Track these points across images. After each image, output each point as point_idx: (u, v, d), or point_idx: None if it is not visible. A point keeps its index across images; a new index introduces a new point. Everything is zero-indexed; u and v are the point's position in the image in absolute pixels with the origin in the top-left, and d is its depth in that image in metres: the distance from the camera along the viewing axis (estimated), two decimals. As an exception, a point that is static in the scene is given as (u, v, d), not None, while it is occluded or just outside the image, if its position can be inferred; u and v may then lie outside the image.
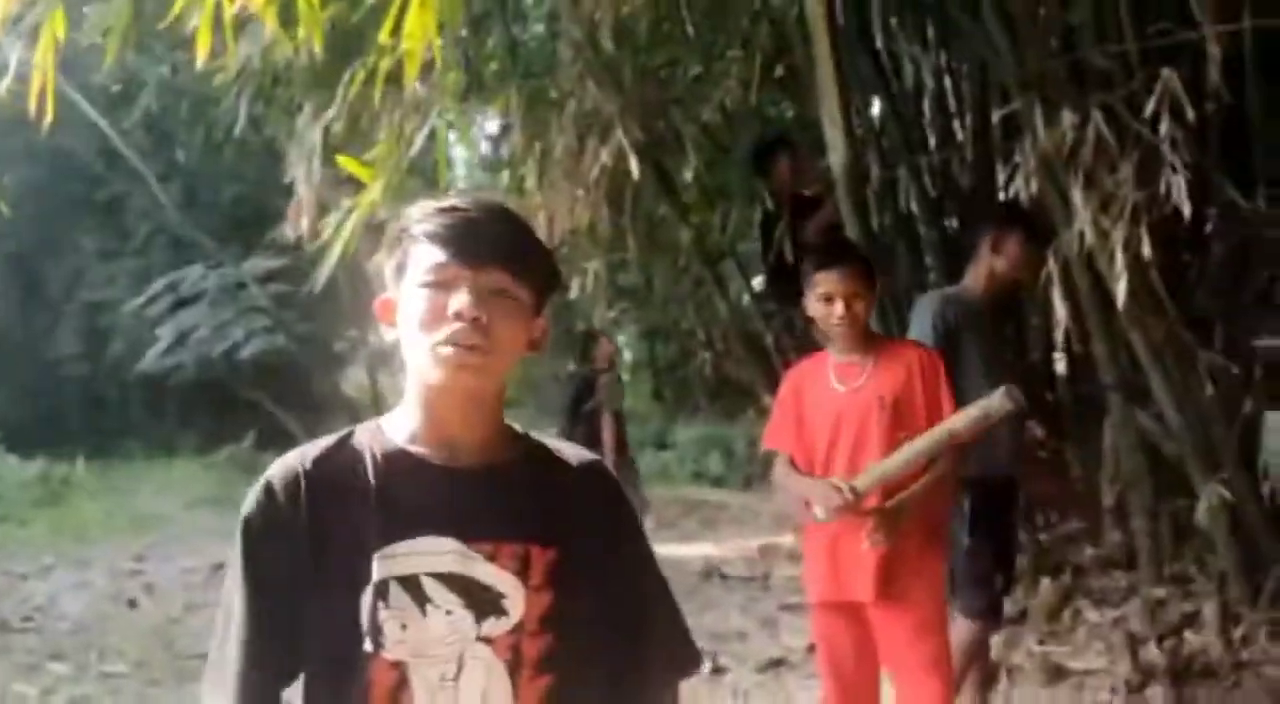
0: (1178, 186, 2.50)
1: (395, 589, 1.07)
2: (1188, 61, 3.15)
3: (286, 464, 1.15)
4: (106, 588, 6.77)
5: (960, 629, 3.05)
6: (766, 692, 4.16)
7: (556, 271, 1.28)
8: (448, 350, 1.11)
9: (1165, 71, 2.62)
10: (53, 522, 9.33)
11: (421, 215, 1.17)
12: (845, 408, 2.53)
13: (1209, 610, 3.75)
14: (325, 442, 1.18)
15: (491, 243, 1.15)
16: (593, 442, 5.77)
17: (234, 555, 1.14)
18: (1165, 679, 3.52)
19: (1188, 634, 3.75)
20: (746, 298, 5.25)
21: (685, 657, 1.26)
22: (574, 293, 4.13)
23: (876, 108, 4.10)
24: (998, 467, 3.07)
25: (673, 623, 1.24)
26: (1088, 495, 4.59)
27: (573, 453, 1.25)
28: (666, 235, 4.43)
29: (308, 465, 1.14)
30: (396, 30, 2.19)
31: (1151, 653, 3.69)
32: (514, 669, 1.09)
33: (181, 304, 12.20)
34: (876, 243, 3.61)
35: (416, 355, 1.15)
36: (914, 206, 4.34)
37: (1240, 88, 3.46)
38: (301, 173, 3.97)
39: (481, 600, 1.09)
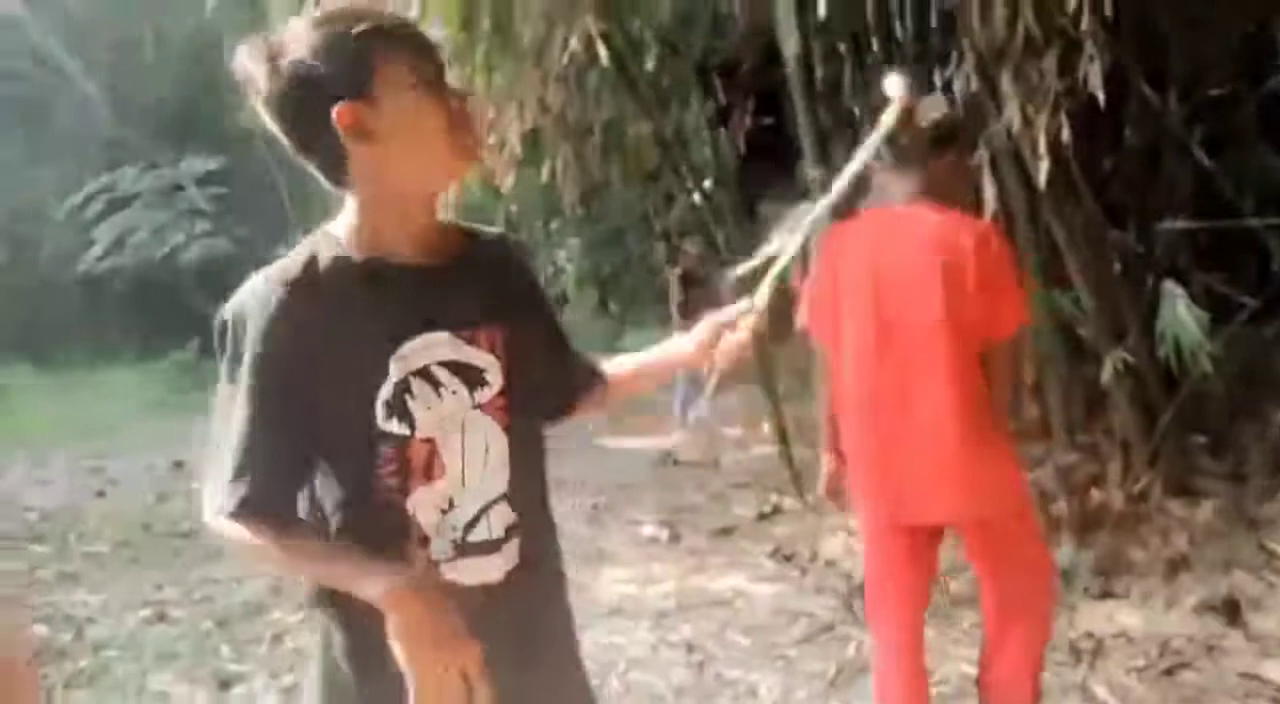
0: (1095, 75, 2.78)
1: (416, 382, 1.23)
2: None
3: (282, 271, 1.21)
4: (70, 484, 6.88)
5: None
6: (719, 553, 4.56)
7: None
8: (465, 142, 1.24)
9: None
10: (1, 427, 9.34)
11: (375, 16, 1.21)
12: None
13: (1113, 471, 4.18)
14: (290, 267, 1.22)
15: (424, 37, 1.26)
16: None
17: (245, 350, 1.19)
18: (1072, 528, 3.96)
19: (1093, 491, 4.18)
20: (698, 197, 5.47)
21: (597, 367, 1.54)
22: (544, 176, 4.30)
23: (822, 8, 4.27)
24: None
25: (575, 351, 1.50)
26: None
27: (488, 233, 1.42)
28: (627, 128, 4.61)
29: (293, 282, 1.20)
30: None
31: (1060, 508, 4.12)
32: (502, 424, 1.31)
33: (116, 206, 11.92)
34: (821, 135, 3.85)
35: (421, 161, 1.23)
36: (856, 106, 4.55)
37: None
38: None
39: (470, 377, 1.27)
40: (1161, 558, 3.68)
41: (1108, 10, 2.82)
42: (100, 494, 6.52)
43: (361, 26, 1.19)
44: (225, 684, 3.41)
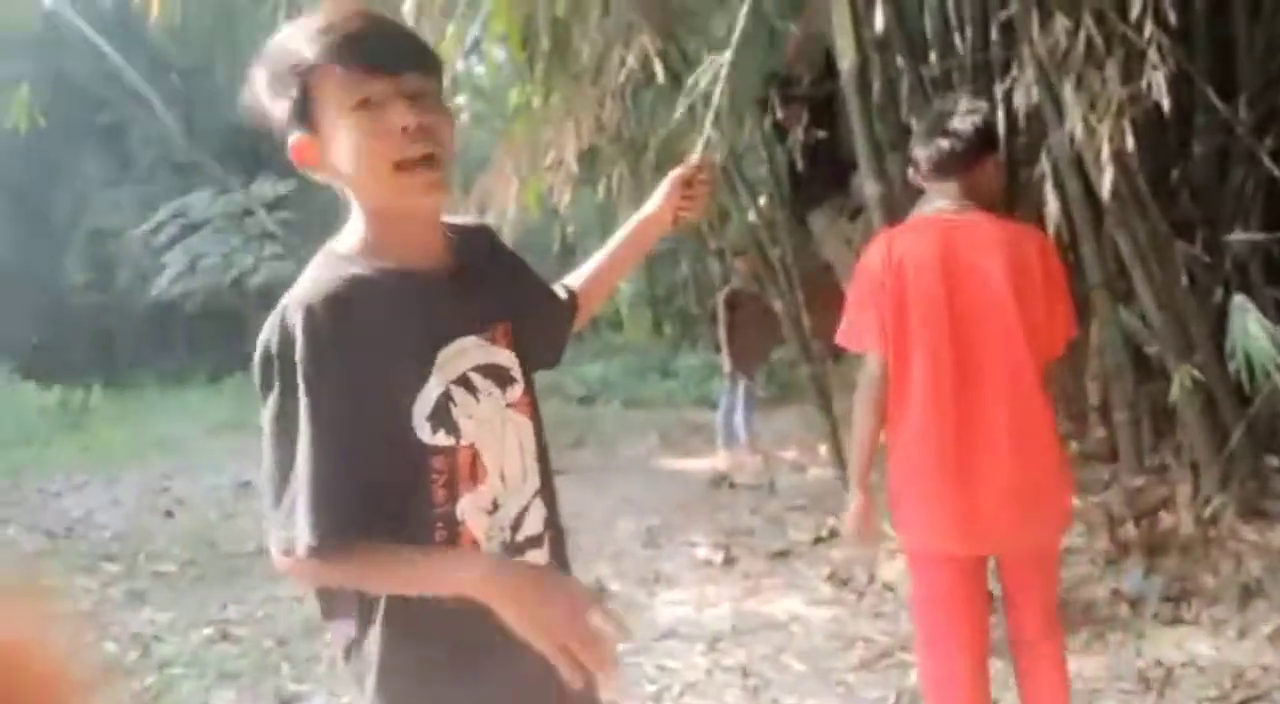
0: (1158, 83, 2.71)
1: (456, 390, 1.20)
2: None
3: (311, 293, 1.14)
4: (139, 503, 7.02)
5: None
6: (774, 576, 4.50)
7: (439, 57, 1.27)
8: (409, 174, 1.14)
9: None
10: (77, 445, 9.59)
11: (306, 44, 1.13)
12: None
13: (1182, 494, 4.04)
14: (316, 280, 1.16)
15: (395, 44, 1.16)
16: None
17: (298, 379, 1.13)
18: (1140, 552, 3.83)
19: (1162, 514, 4.04)
20: (753, 214, 5.46)
21: (570, 291, 1.53)
22: (599, 194, 4.32)
23: (880, 23, 4.25)
24: None
25: (552, 292, 1.49)
26: (1075, 395, 4.84)
27: (468, 225, 1.38)
28: (683, 145, 4.62)
29: (327, 300, 1.14)
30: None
31: (1128, 531, 4.00)
32: (532, 419, 1.31)
33: (188, 231, 12.25)
34: (878, 148, 3.81)
35: (372, 184, 1.16)
36: (915, 117, 4.51)
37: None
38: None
39: (501, 377, 1.27)
40: (1235, 584, 3.55)
41: (1171, 17, 2.76)
42: (169, 514, 6.65)
43: (301, 56, 1.13)
44: (286, 702, 3.44)
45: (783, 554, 4.77)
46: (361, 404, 1.15)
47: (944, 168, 2.21)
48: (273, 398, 1.15)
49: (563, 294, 1.53)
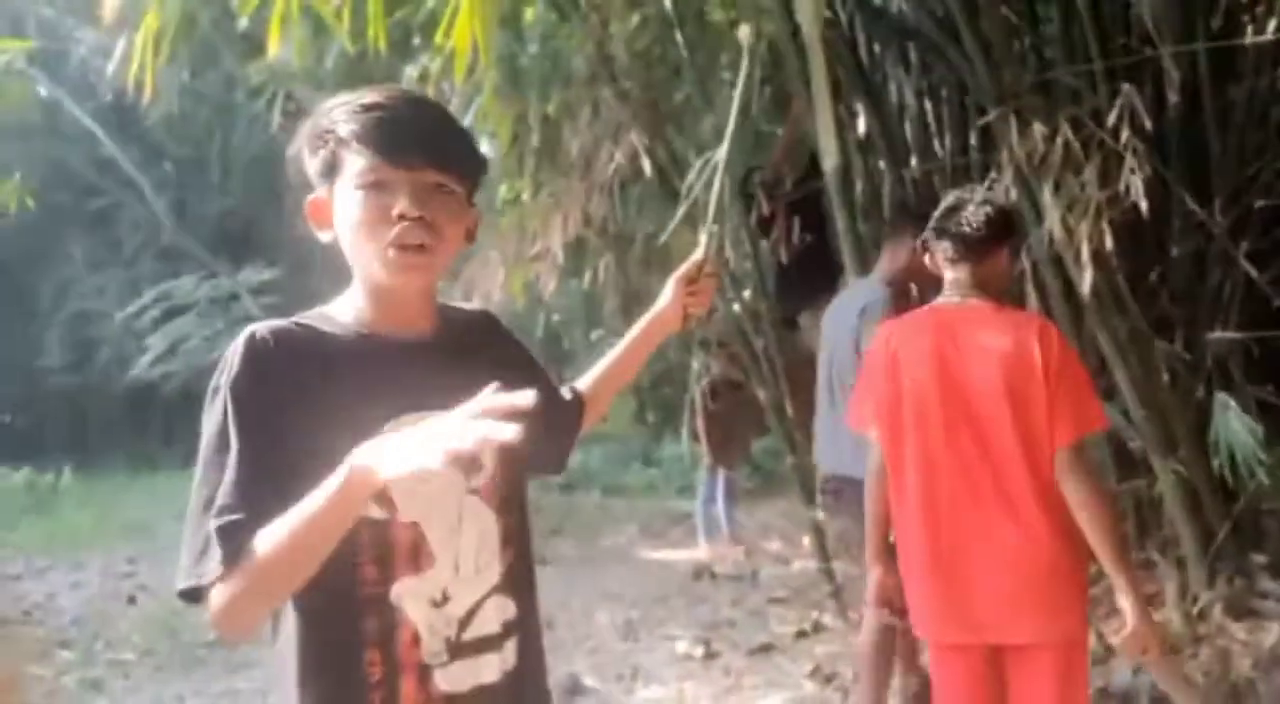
0: (1136, 186, 2.80)
1: None
2: (1150, 79, 3.47)
3: (259, 332, 1.15)
4: (102, 588, 6.86)
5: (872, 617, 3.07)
6: (756, 672, 4.40)
7: (483, 159, 1.31)
8: (396, 253, 1.16)
9: (1126, 87, 2.94)
10: (42, 528, 9.39)
11: (346, 115, 1.17)
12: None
13: (1170, 590, 4.01)
14: (276, 323, 1.18)
15: (423, 140, 1.18)
16: None
17: (219, 416, 1.11)
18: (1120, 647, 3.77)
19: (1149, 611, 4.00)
20: (737, 307, 5.52)
21: (576, 392, 1.55)
22: (585, 284, 4.37)
23: (862, 126, 4.39)
24: None
25: (559, 392, 1.51)
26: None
27: (469, 309, 1.42)
28: (671, 239, 4.70)
29: (277, 334, 1.15)
30: (448, 31, 2.47)
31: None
32: (498, 511, 1.24)
33: (172, 314, 12.26)
34: (860, 244, 3.89)
35: (363, 257, 1.19)
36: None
37: (1198, 105, 3.79)
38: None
39: (464, 460, 1.20)
40: (1224, 683, 3.50)
41: (1147, 123, 2.86)
42: (131, 600, 6.48)
43: (336, 123, 1.18)
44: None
45: (765, 648, 4.68)
46: (288, 448, 1.09)
47: (956, 257, 2.24)
48: (208, 428, 1.13)
49: (568, 395, 1.52)
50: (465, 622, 1.19)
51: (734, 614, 5.39)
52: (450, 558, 1.18)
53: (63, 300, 13.79)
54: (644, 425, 13.98)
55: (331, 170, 1.19)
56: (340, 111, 1.18)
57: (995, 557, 2.14)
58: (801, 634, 4.83)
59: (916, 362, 2.21)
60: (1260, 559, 4.00)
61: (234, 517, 1.07)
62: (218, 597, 1.08)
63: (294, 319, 1.22)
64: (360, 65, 3.67)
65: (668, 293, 1.62)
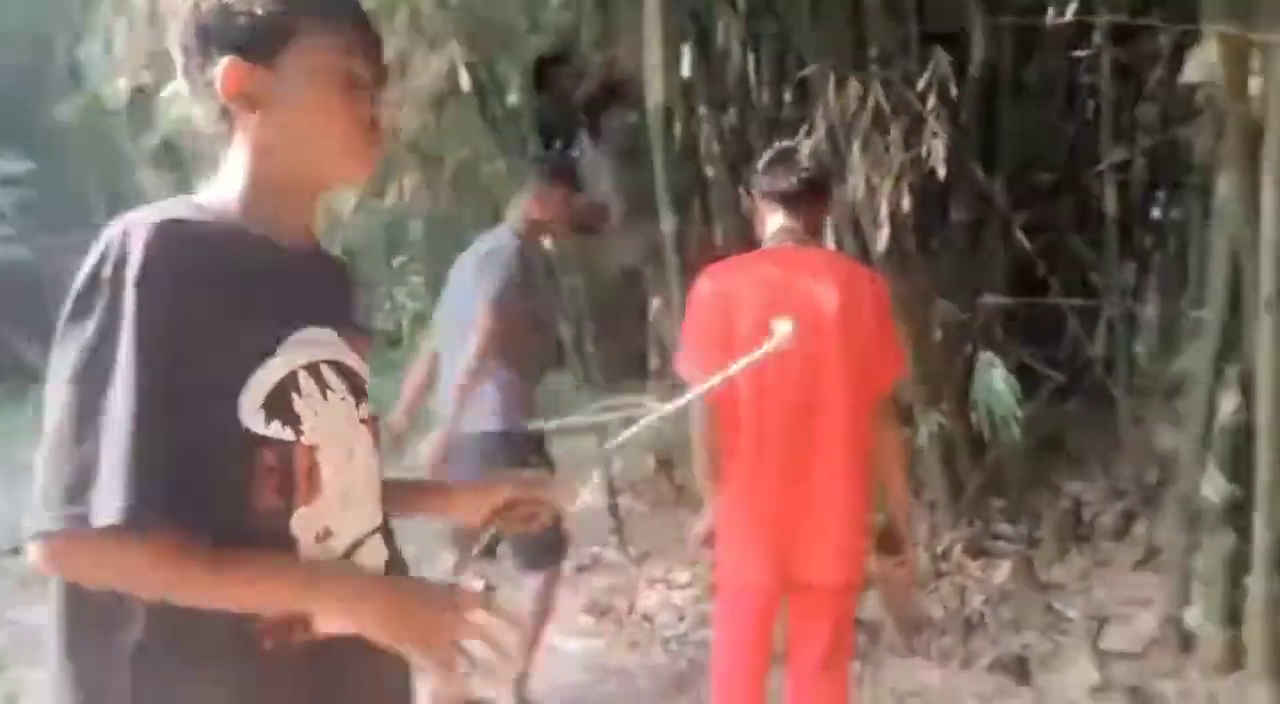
0: (937, 151, 2.98)
1: (303, 377, 1.05)
2: (960, 52, 3.67)
3: (168, 221, 0.99)
4: None
5: (534, 585, 3.12)
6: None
7: None
8: (361, 155, 1.12)
9: (938, 52, 3.11)
10: None
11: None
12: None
13: (920, 531, 4.37)
14: (176, 209, 1.03)
15: (373, 36, 1.14)
16: None
17: (106, 320, 0.94)
18: (879, 585, 4.10)
19: (900, 551, 4.34)
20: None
21: None
22: (389, 200, 4.19)
23: (686, 68, 4.40)
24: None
25: None
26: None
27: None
28: (482, 167, 4.57)
29: (188, 227, 1.00)
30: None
31: (869, 564, 4.26)
32: (377, 447, 1.16)
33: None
34: (677, 189, 3.94)
35: (313, 151, 1.09)
36: (711, 167, 4.66)
37: (998, 80, 4.04)
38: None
39: (356, 385, 1.12)
40: (959, 617, 3.85)
41: (952, 91, 3.03)
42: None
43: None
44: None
45: None
46: (195, 361, 0.96)
47: (789, 203, 2.24)
48: (88, 332, 0.94)
49: None
50: (345, 559, 1.09)
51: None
52: (339, 490, 1.08)
53: None
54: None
55: (272, 42, 1.06)
56: None
57: (819, 502, 2.18)
58: (581, 569, 4.86)
59: (751, 305, 2.16)
60: (998, 503, 4.42)
61: (147, 451, 0.91)
62: (80, 548, 0.92)
63: (178, 208, 1.04)
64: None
65: (480, 494, 1.34)
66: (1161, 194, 4.28)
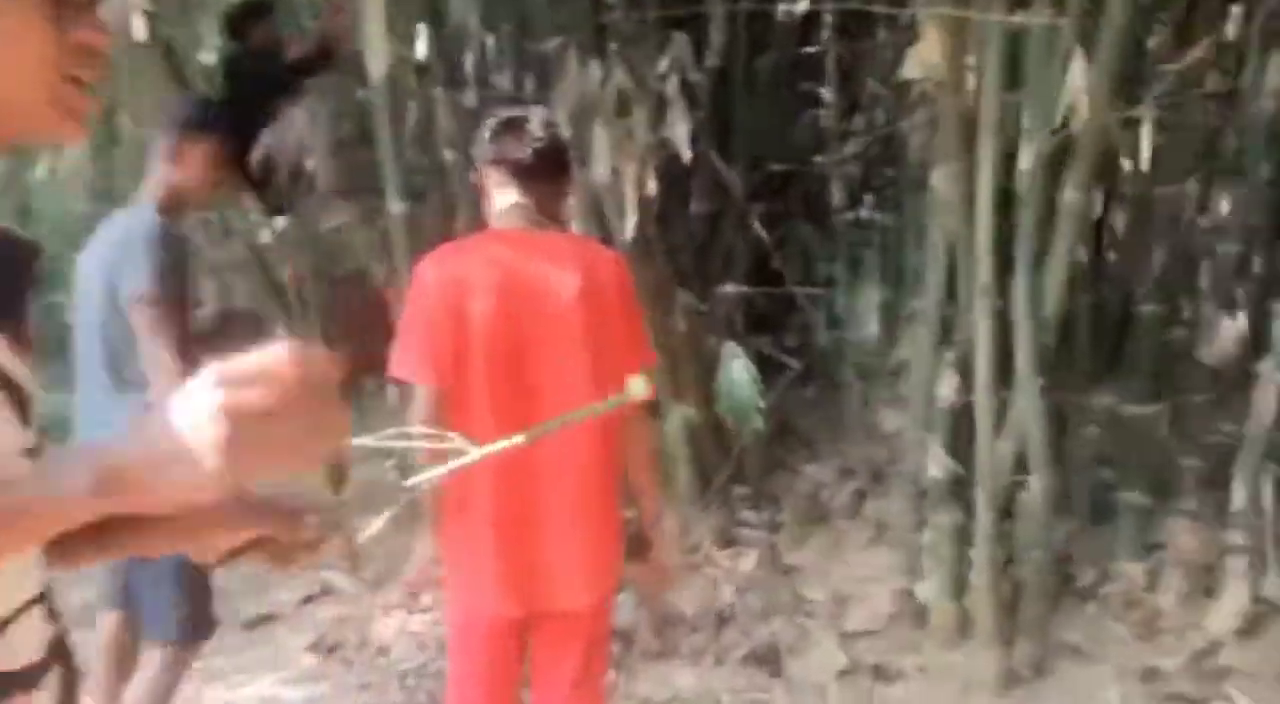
0: (680, 135, 2.89)
1: None
2: (701, 38, 3.63)
3: None
4: None
5: (160, 660, 2.65)
6: (251, 648, 3.95)
7: None
8: (78, 93, 0.82)
9: (677, 35, 3.03)
10: None
11: None
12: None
13: (670, 523, 4.32)
14: None
15: None
16: None
17: None
18: (633, 586, 4.00)
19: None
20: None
21: None
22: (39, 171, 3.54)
23: (421, 49, 4.10)
24: None
25: None
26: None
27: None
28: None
29: None
30: None
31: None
32: None
33: None
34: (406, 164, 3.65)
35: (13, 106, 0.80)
36: (448, 149, 4.38)
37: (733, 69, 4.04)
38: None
39: (22, 402, 0.86)
40: (711, 611, 3.82)
41: (690, 75, 2.96)
42: None
43: None
44: None
45: (265, 619, 4.13)
46: None
47: (521, 173, 2.03)
48: None
49: None
50: None
51: (229, 581, 4.79)
52: None
53: None
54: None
55: None
56: None
57: (565, 514, 2.00)
58: (308, 600, 4.38)
59: (481, 291, 1.94)
60: (742, 491, 4.47)
61: None
62: None
63: None
64: None
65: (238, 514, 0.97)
66: (885, 188, 4.47)
